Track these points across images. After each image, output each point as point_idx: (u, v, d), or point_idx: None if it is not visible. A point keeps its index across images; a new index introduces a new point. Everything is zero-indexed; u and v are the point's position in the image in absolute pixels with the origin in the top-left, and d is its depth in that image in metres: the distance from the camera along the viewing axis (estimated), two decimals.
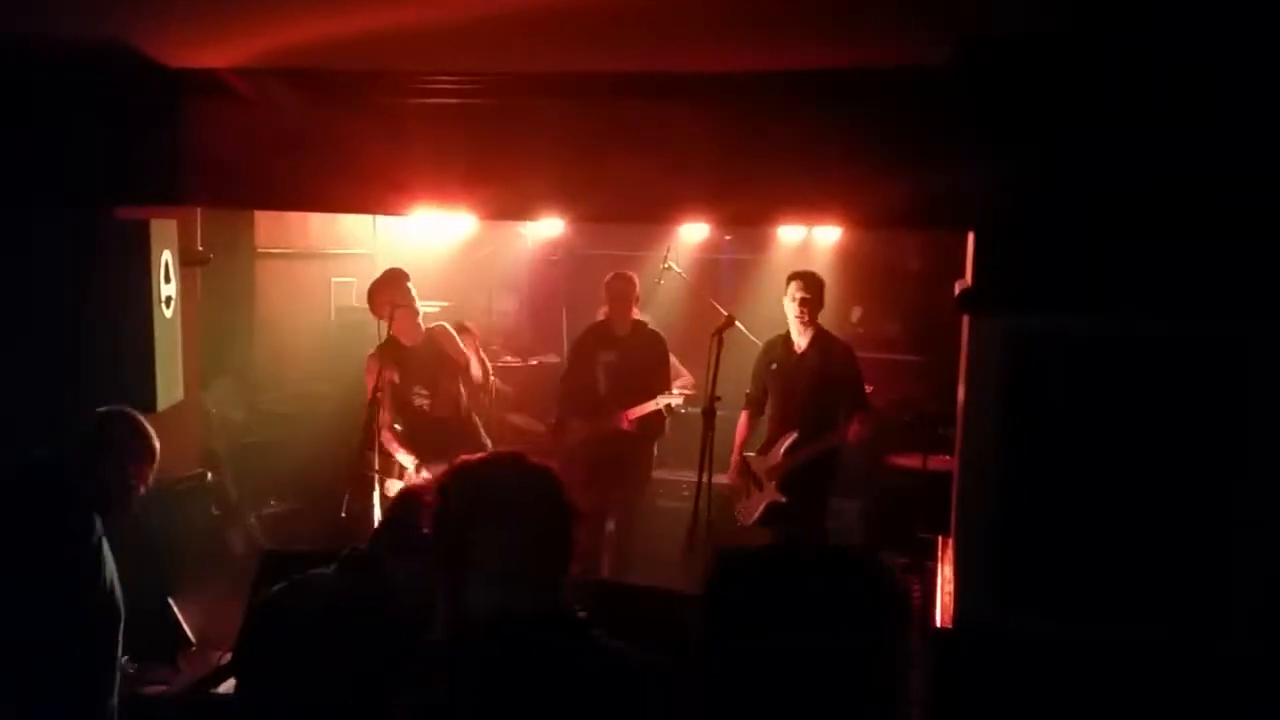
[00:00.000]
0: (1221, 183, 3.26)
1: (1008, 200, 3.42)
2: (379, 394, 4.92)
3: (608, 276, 5.75)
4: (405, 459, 5.05)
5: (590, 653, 1.71)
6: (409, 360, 5.14)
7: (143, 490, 3.09)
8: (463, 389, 5.33)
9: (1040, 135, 3.37)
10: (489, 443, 5.31)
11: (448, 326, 5.35)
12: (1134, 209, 3.33)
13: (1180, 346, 3.36)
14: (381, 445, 4.99)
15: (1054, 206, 3.38)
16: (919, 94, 3.57)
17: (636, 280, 5.76)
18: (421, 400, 5.17)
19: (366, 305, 5.21)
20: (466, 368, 5.30)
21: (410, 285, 5.12)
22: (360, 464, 4.88)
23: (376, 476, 4.91)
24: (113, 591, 2.86)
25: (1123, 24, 3.14)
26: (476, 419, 5.43)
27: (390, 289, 5.08)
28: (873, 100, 3.67)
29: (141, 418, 3.15)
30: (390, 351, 5.04)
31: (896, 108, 3.64)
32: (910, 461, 5.91)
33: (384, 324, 5.03)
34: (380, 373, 4.94)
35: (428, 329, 5.23)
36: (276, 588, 2.51)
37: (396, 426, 5.19)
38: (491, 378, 5.74)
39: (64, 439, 3.04)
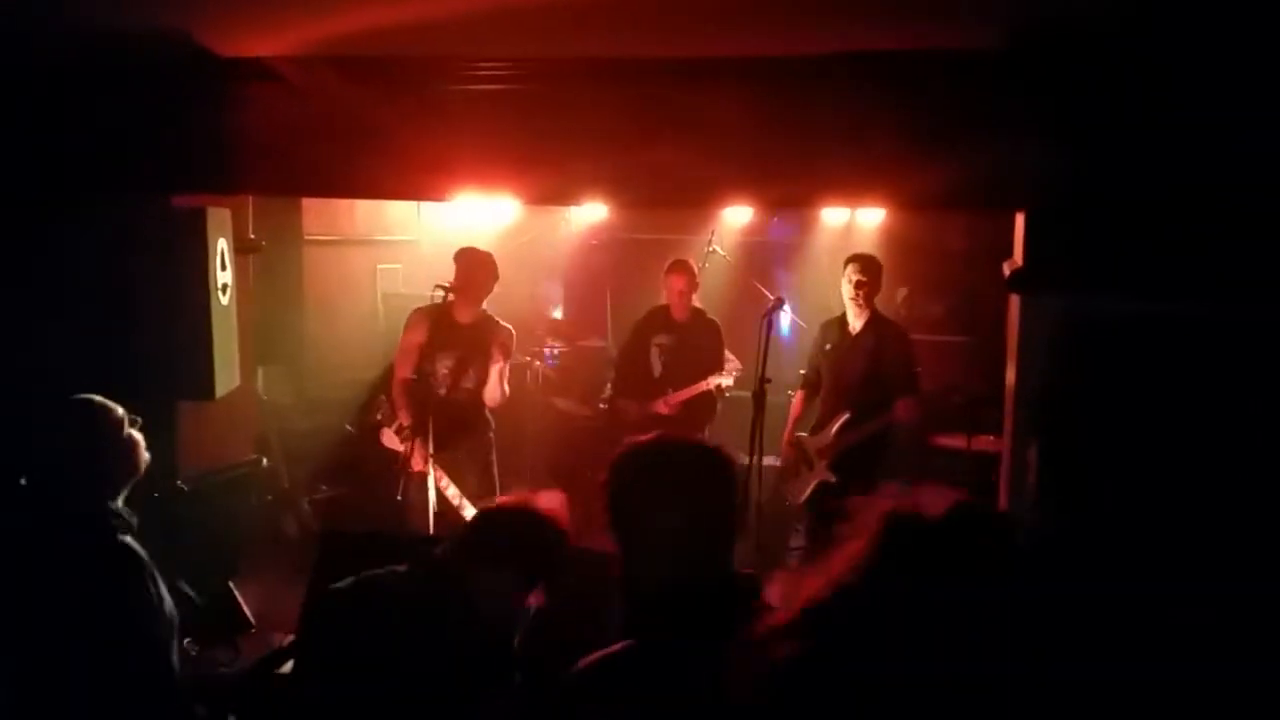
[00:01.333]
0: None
1: (1059, 181, 3.38)
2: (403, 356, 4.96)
3: (668, 264, 5.75)
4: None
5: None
6: (451, 329, 5.00)
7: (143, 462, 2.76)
8: (479, 379, 5.05)
9: (1093, 118, 3.33)
10: (493, 437, 5.17)
11: (512, 332, 5.09)
12: (1186, 191, 3.29)
13: (1233, 329, 3.32)
14: (392, 399, 4.99)
15: (1105, 187, 3.34)
16: (969, 77, 3.53)
17: (696, 267, 5.77)
18: (442, 368, 4.97)
19: (412, 291, 5.17)
20: (501, 365, 5.00)
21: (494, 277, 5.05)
22: (372, 407, 5.03)
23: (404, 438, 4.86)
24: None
25: (1177, 11, 3.08)
26: (489, 411, 5.16)
27: (481, 272, 5.00)
28: (921, 83, 3.63)
29: (88, 398, 2.74)
30: (436, 314, 4.94)
31: (946, 90, 3.61)
32: (955, 442, 5.88)
33: (447, 295, 4.85)
34: (419, 331, 4.96)
35: (491, 318, 5.06)
36: (343, 583, 2.44)
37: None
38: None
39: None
